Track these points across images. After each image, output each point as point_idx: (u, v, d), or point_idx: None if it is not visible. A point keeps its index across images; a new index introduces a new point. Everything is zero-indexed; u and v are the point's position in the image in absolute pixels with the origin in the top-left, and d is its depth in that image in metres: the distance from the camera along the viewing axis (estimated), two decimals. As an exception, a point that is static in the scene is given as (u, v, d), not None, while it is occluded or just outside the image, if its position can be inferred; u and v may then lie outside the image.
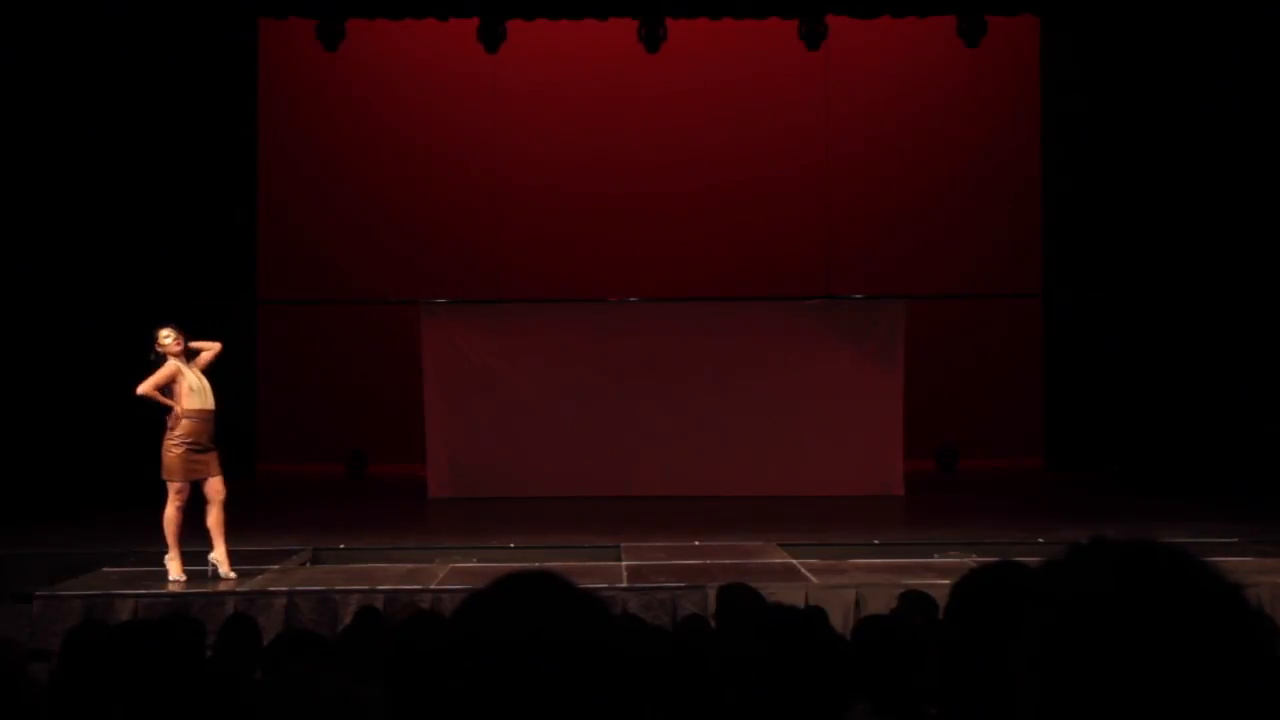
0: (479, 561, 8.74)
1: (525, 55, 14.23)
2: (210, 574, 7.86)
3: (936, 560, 8.55)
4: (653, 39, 13.13)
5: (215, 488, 7.87)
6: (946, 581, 6.90)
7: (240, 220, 14.18)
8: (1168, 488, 12.26)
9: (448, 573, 8.14)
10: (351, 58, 14.26)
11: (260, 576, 7.95)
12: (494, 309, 13.62)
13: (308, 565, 8.77)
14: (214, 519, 7.84)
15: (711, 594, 6.84)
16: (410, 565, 8.53)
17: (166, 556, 7.87)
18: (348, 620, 6.46)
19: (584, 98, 15.60)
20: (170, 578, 7.81)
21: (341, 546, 9.26)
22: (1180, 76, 12.86)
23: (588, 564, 8.34)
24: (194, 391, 7.86)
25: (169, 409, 7.80)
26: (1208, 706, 1.06)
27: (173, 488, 7.80)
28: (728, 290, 14.26)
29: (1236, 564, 7.68)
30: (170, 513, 7.80)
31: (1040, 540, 8.91)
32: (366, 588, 7.50)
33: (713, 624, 5.68)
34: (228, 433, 13.37)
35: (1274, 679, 1.08)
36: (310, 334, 15.64)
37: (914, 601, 5.41)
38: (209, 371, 8.07)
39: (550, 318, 13.36)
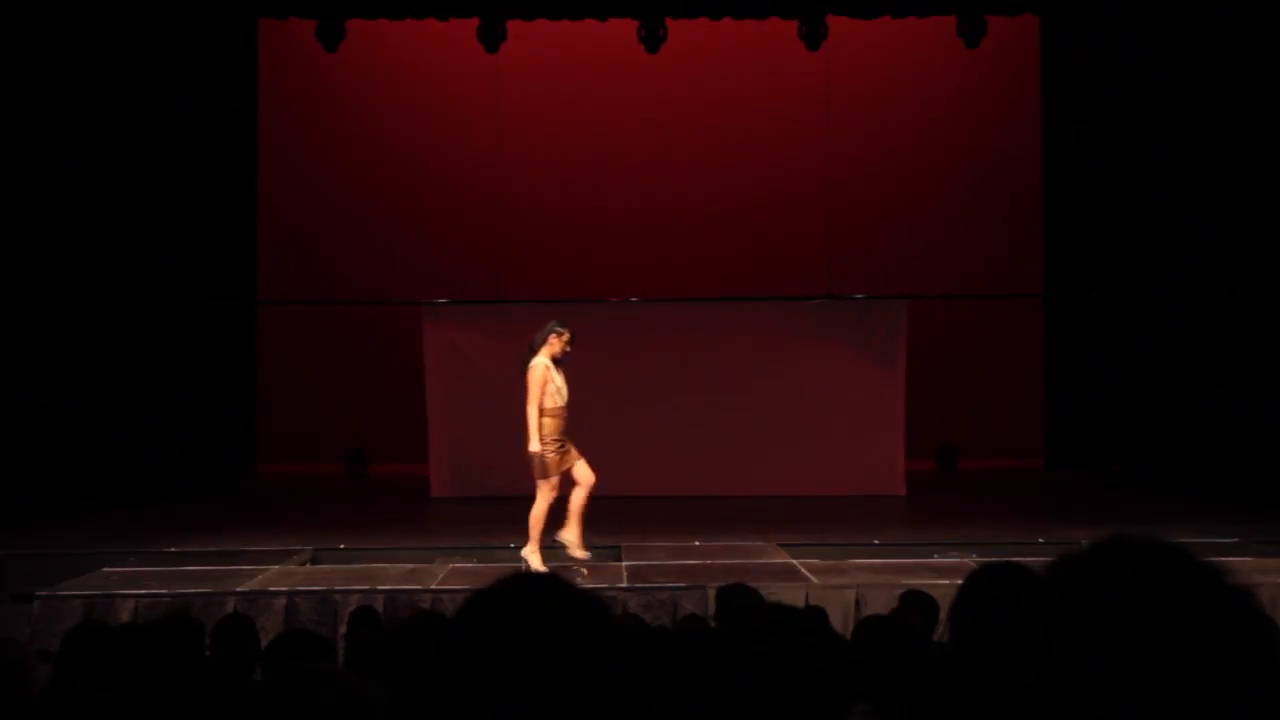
0: (479, 561, 8.75)
1: (526, 56, 14.22)
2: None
3: (936, 560, 8.55)
4: (653, 39, 13.11)
5: (584, 471, 8.09)
6: (946, 581, 6.92)
7: (240, 220, 14.18)
8: (1168, 488, 12.26)
9: (448, 573, 8.15)
10: (351, 58, 14.24)
11: (260, 576, 7.94)
12: (495, 309, 13.61)
13: (308, 565, 8.77)
14: (579, 501, 8.06)
15: (711, 594, 6.84)
16: (410, 565, 8.53)
17: (526, 549, 8.04)
18: (348, 620, 6.46)
19: (584, 98, 15.60)
20: (533, 569, 7.88)
21: (341, 546, 9.26)
22: (1181, 76, 12.85)
23: (588, 564, 8.35)
24: (558, 391, 8.02)
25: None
26: (1219, 712, 1.06)
27: (547, 485, 7.97)
28: (729, 290, 14.25)
29: (1238, 564, 7.67)
30: (541, 509, 7.99)
31: (1040, 540, 8.92)
32: (366, 588, 7.51)
33: (713, 624, 5.68)
34: (228, 433, 13.49)
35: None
36: (310, 334, 15.64)
37: (914, 601, 5.41)
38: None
39: (551, 318, 13.30)
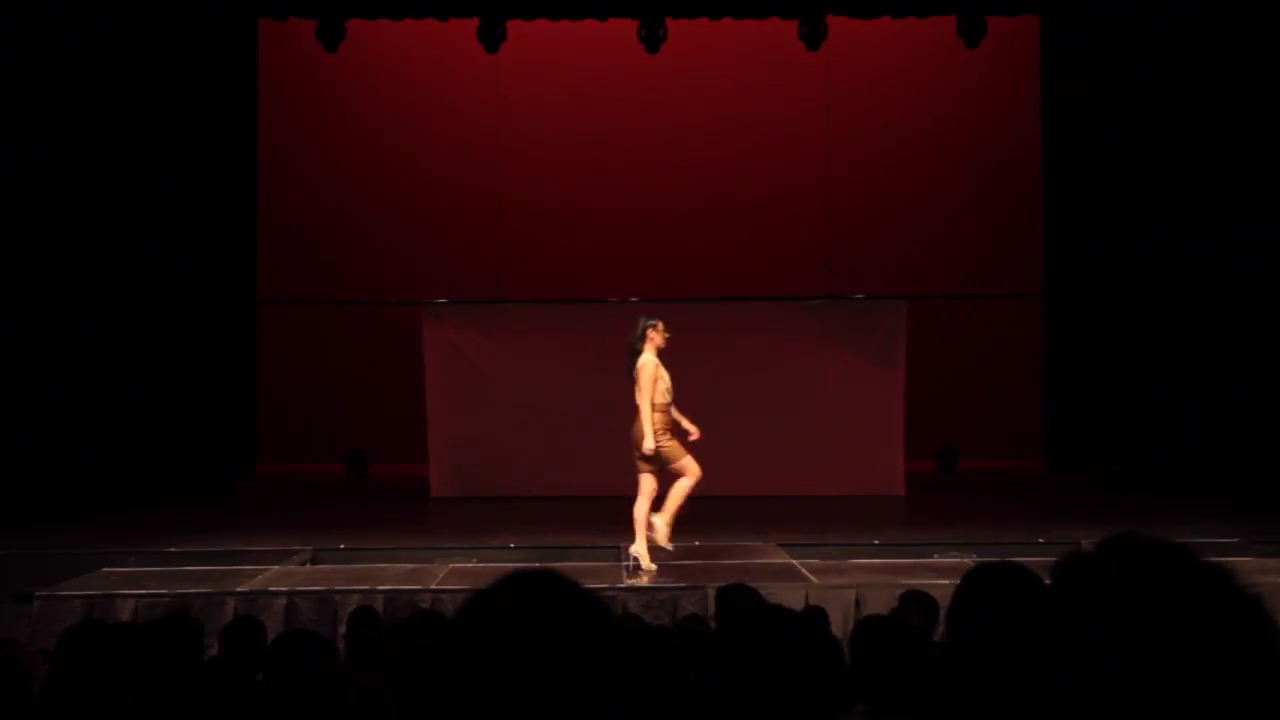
0: (479, 561, 8.74)
1: (526, 56, 14.22)
2: (632, 567, 7.96)
3: (936, 560, 8.55)
4: (653, 39, 13.11)
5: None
6: (946, 581, 6.91)
7: (240, 220, 14.18)
8: (1168, 488, 12.26)
9: (448, 573, 8.14)
10: (351, 58, 14.25)
11: (260, 576, 7.94)
12: (494, 309, 13.61)
13: (308, 565, 8.76)
14: (642, 510, 7.95)
15: (711, 594, 6.84)
16: (410, 565, 8.52)
17: (659, 524, 7.93)
18: (348, 620, 6.45)
19: (584, 98, 15.60)
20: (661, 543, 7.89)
21: (341, 546, 9.25)
22: (1181, 76, 12.85)
23: (588, 564, 8.35)
24: (666, 389, 8.01)
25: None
26: (1224, 714, 1.06)
27: (687, 463, 7.86)
28: (729, 290, 14.24)
29: (1237, 564, 7.67)
30: (686, 487, 7.84)
31: (1040, 540, 8.91)
32: (366, 588, 7.50)
33: (713, 624, 5.68)
34: (228, 433, 13.49)
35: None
36: (310, 334, 15.65)
37: (914, 601, 5.41)
38: None
39: (551, 318, 13.34)
